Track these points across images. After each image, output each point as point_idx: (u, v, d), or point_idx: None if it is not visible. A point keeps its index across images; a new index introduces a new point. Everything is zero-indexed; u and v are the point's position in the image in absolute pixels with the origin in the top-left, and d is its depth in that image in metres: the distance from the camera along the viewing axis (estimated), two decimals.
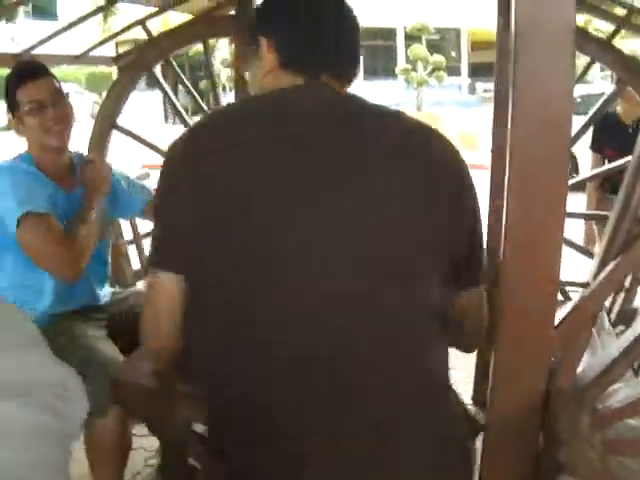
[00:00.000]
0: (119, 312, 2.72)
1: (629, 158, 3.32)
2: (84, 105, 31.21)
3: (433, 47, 25.70)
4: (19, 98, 2.49)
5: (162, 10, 3.80)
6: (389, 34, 27.03)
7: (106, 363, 2.27)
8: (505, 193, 1.27)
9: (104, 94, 4.07)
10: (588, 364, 1.52)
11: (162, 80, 3.91)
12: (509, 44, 3.11)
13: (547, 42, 1.12)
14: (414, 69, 24.19)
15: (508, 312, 1.33)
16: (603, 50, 3.27)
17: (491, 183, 3.25)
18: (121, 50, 4.08)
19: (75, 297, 2.58)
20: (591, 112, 3.62)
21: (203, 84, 18.31)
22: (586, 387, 1.46)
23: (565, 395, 1.43)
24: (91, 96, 31.94)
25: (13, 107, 2.52)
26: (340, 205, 1.30)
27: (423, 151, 1.36)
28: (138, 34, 4.05)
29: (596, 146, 4.60)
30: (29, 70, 2.55)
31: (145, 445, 3.04)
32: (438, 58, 24.21)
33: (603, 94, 3.69)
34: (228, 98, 16.78)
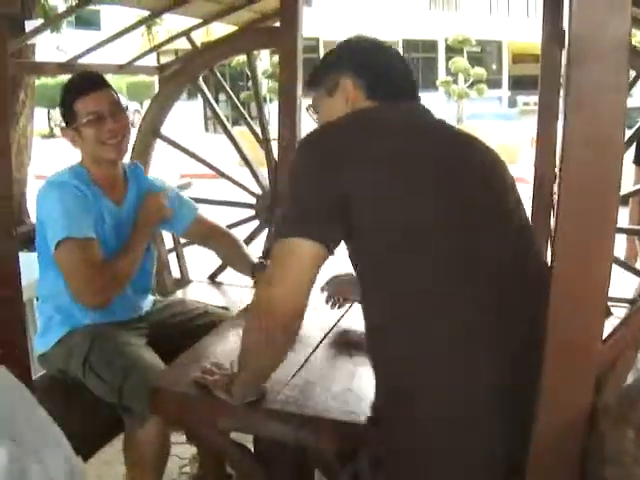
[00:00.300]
0: (160, 320, 2.74)
1: None
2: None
3: (474, 59, 25.58)
4: (77, 109, 2.47)
5: (207, 22, 3.84)
6: (430, 46, 27.02)
7: (147, 371, 2.28)
8: (555, 206, 1.26)
9: (145, 103, 4.14)
10: (634, 380, 1.50)
11: (206, 90, 3.95)
12: (554, 57, 3.11)
13: (602, 56, 1.12)
14: (455, 81, 24.09)
15: (556, 326, 1.33)
16: None
17: (533, 195, 3.23)
18: (163, 60, 4.14)
19: (117, 311, 2.58)
20: (636, 126, 3.59)
21: (244, 94, 18.41)
22: (632, 403, 1.44)
23: (611, 411, 1.42)
24: (132, 104, 32.37)
25: (70, 118, 2.50)
26: (485, 192, 1.71)
27: (493, 152, 1.84)
28: (181, 44, 4.10)
29: (639, 159, 4.53)
30: (88, 81, 2.54)
31: (179, 453, 3.06)
32: (479, 70, 24.08)
33: None
34: (269, 108, 16.91)
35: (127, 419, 2.32)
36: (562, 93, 3.03)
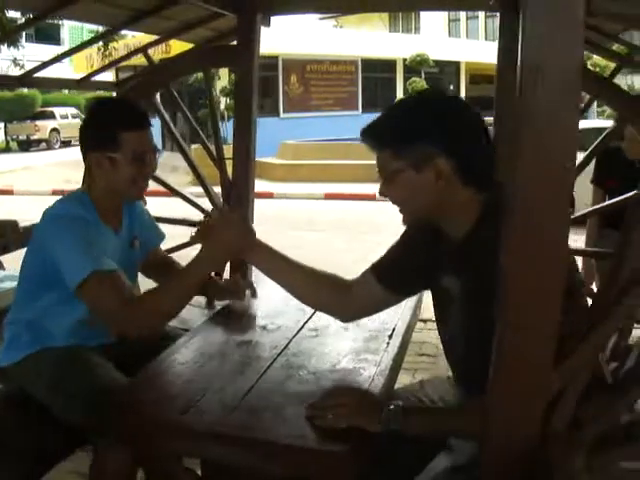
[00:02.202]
0: (129, 345, 2.67)
1: (632, 193, 3.31)
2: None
3: (432, 80, 25.82)
4: (122, 141, 2.39)
5: (163, 39, 3.82)
6: (389, 66, 27.18)
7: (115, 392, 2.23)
8: (506, 229, 1.26)
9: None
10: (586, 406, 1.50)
11: (161, 108, 3.92)
12: (509, 79, 3.13)
13: (555, 80, 1.12)
14: None
15: (507, 349, 1.32)
16: (605, 88, 3.29)
17: None
18: (122, 75, 4.11)
19: (94, 336, 2.55)
20: (591, 147, 3.63)
21: (202, 112, 18.33)
22: (583, 428, 1.44)
23: (560, 438, 1.41)
24: None
25: (108, 145, 2.40)
26: None
27: None
28: (140, 60, 4.07)
29: (598, 179, 4.58)
30: (140, 116, 2.47)
31: None
32: None
33: (600, 129, 3.70)
34: (226, 126, 16.85)
35: (97, 444, 2.28)
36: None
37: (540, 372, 1.32)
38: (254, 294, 2.93)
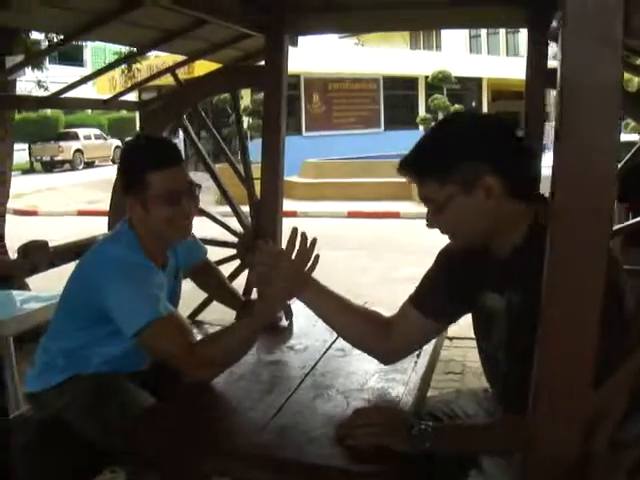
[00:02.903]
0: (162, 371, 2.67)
1: None
2: (107, 150, 31.73)
3: (454, 97, 25.84)
4: (150, 181, 2.31)
5: (191, 59, 3.85)
6: (411, 84, 27.22)
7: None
8: (548, 247, 1.25)
9: (127, 139, 4.14)
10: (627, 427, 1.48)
11: (189, 127, 3.94)
12: (538, 95, 3.12)
13: (595, 96, 1.11)
14: (435, 118, 24.30)
15: (548, 369, 1.30)
16: (634, 104, 3.27)
17: None
18: (145, 96, 4.14)
19: (128, 365, 2.53)
20: (620, 163, 3.60)
21: (226, 131, 18.44)
22: (624, 449, 1.42)
23: (602, 459, 1.39)
24: (114, 141, 32.40)
25: (137, 186, 2.34)
26: None
27: None
28: (161, 80, 4.10)
29: (623, 197, 4.53)
30: (166, 154, 2.38)
31: None
32: (458, 107, 24.31)
33: (625, 143, 3.67)
34: (251, 145, 16.91)
35: (130, 468, 2.29)
36: (550, 130, 3.02)
37: (580, 393, 1.31)
38: (288, 315, 2.88)
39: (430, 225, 1.86)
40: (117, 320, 2.25)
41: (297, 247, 2.01)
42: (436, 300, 2.05)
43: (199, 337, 2.34)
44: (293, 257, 2.02)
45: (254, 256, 2.08)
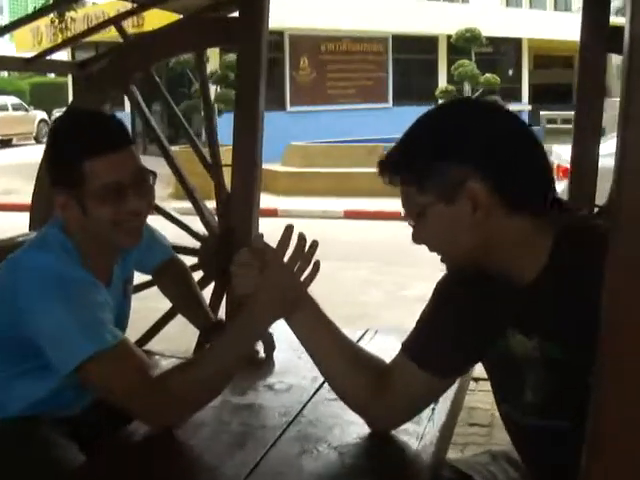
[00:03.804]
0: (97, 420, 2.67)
1: None
2: (29, 124, 31.66)
3: (484, 63, 25.92)
4: (87, 172, 2.25)
5: (143, 7, 3.86)
6: (428, 45, 27.34)
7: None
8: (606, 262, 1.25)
9: (56, 113, 4.12)
10: None
11: (140, 99, 3.94)
12: (596, 62, 3.11)
13: None
14: (459, 91, 24.39)
15: (606, 428, 1.31)
16: None
17: None
18: (80, 55, 4.15)
19: (57, 408, 2.52)
20: None
21: (185, 105, 18.43)
22: None
23: None
24: (37, 113, 32.32)
25: (71, 178, 2.28)
26: None
27: None
28: (101, 36, 4.10)
29: None
30: (111, 133, 2.33)
31: None
32: (490, 77, 24.41)
33: None
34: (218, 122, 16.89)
35: None
36: (609, 107, 3.02)
37: None
38: (268, 347, 2.86)
39: (415, 239, 1.88)
40: (48, 353, 2.22)
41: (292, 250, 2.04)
42: (438, 349, 2.04)
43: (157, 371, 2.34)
44: (286, 260, 2.04)
45: (235, 256, 2.08)
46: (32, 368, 2.36)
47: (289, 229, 2.00)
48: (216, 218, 3.96)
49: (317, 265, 2.07)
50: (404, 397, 2.13)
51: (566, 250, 1.76)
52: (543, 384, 1.85)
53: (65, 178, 2.30)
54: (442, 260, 1.92)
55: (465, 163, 1.74)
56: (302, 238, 2.02)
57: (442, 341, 2.03)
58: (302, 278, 2.09)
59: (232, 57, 18.07)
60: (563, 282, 1.72)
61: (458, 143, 1.76)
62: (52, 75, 35.93)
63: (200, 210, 4.03)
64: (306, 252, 2.04)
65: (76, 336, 2.17)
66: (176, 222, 4.13)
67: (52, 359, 2.21)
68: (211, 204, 3.97)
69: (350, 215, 14.99)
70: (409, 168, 1.82)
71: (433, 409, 2.39)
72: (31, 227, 4.23)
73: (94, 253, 2.41)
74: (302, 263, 2.05)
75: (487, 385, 5.20)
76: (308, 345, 2.19)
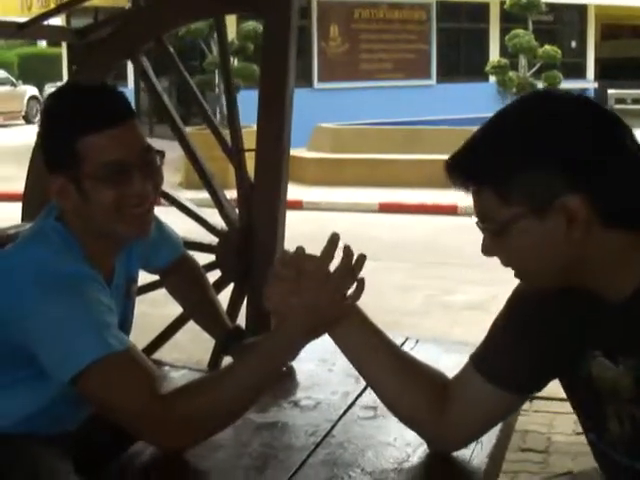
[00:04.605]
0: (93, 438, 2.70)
1: None
2: (17, 102, 31.72)
3: (544, 33, 25.79)
4: (81, 151, 2.24)
5: None
6: (478, 12, 27.24)
7: None
8: None
9: (48, 88, 4.13)
10: None
11: (151, 73, 3.94)
12: None
13: None
14: (514, 66, 24.28)
15: None
16: None
17: None
18: (75, 22, 4.17)
19: (53, 423, 2.51)
20: None
21: (197, 80, 18.45)
22: None
23: None
24: (27, 89, 32.36)
25: (66, 159, 2.26)
26: None
27: None
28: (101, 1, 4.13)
29: None
30: (111, 106, 2.30)
31: None
32: (551, 50, 24.26)
33: None
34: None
35: None
36: None
37: None
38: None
39: (486, 252, 1.86)
40: (42, 358, 2.22)
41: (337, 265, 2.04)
42: (510, 363, 2.05)
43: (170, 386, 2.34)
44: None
45: (272, 266, 2.07)
46: (24, 377, 2.36)
47: (334, 238, 2.00)
48: (237, 210, 3.94)
49: (362, 283, 2.07)
50: (470, 413, 2.15)
51: None
52: (623, 406, 1.85)
53: (60, 160, 2.29)
54: (518, 276, 1.91)
55: (561, 172, 1.70)
56: (349, 251, 2.02)
57: (514, 354, 2.04)
58: (349, 293, 2.08)
59: (251, 25, 18.11)
60: None
61: (554, 148, 1.72)
62: (43, 45, 35.94)
63: (219, 201, 3.98)
64: (354, 264, 2.04)
65: (75, 340, 2.16)
66: (191, 214, 4.12)
67: (47, 366, 2.21)
68: (230, 194, 3.96)
69: (386, 208, 14.96)
70: (489, 174, 1.77)
71: None
72: (24, 218, 4.24)
73: (94, 247, 2.39)
74: (347, 280, 2.05)
75: (543, 405, 5.21)
76: (359, 359, 2.20)
